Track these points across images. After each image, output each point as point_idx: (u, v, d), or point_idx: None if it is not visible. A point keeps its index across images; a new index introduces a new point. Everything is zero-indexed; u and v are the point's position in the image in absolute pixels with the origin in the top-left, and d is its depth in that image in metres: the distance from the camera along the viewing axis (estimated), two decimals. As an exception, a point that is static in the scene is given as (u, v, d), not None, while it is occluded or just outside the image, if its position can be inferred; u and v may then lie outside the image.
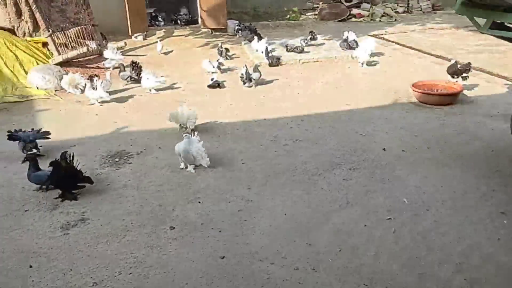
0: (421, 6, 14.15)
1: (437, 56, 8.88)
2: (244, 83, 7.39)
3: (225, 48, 9.17)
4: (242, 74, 7.40)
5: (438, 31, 11.31)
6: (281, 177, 4.50)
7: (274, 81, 7.68)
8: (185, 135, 4.64)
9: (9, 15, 8.70)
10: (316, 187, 4.29)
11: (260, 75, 7.45)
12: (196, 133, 4.80)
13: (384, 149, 5.04)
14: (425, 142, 5.19)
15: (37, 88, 7.03)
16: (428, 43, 10.03)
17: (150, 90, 7.01)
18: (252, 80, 7.36)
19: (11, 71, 7.24)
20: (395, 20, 12.97)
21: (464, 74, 6.67)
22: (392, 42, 10.25)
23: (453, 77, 6.71)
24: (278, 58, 8.65)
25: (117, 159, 4.96)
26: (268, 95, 7.02)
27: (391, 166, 4.65)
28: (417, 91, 6.34)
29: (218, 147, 5.23)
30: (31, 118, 6.13)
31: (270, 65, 8.52)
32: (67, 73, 7.17)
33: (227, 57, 9.01)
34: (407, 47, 9.74)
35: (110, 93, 6.84)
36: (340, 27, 12.17)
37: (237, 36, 10.67)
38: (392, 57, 8.94)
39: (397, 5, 14.00)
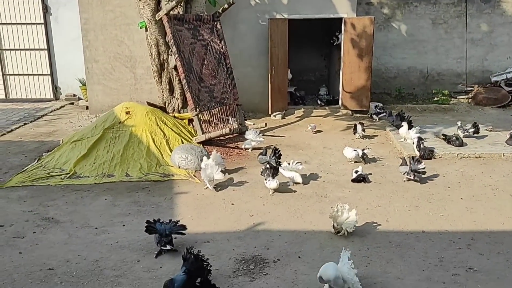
0: None
1: None
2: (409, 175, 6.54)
3: (360, 123, 8.85)
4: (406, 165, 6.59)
5: None
6: (457, 328, 3.46)
7: (429, 179, 6.65)
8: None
9: (162, 92, 9.22)
10: None
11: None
12: (348, 251, 4.02)
13: None
14: None
15: (179, 167, 7.01)
16: None
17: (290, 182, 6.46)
18: (416, 174, 6.49)
19: (157, 148, 7.41)
20: None
21: None
22: None
23: None
24: (432, 151, 7.63)
25: (251, 267, 4.39)
26: (422, 197, 6.02)
27: None
28: None
29: (368, 266, 4.38)
30: (169, 202, 5.98)
31: (422, 157, 7.52)
32: (208, 155, 7.05)
33: (363, 134, 8.77)
34: None
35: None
36: (501, 114, 10.76)
37: (374, 120, 9.96)
38: None
39: None
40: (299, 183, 6.47)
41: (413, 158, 6.77)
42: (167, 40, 8.55)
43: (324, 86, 12.59)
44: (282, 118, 10.56)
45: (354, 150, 7.47)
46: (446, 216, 5.43)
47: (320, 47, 12.86)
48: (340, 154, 7.71)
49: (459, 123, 8.57)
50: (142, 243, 4.89)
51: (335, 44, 11.46)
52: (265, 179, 6.20)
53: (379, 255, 4.58)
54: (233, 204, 5.92)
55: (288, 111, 10.92)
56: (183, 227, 4.76)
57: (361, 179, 6.62)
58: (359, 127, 8.85)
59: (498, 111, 11.09)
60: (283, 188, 6.27)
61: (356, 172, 6.71)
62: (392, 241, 4.85)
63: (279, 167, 6.61)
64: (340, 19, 10.47)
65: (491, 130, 9.00)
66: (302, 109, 11.05)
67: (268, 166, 6.41)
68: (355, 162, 7.41)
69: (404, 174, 6.60)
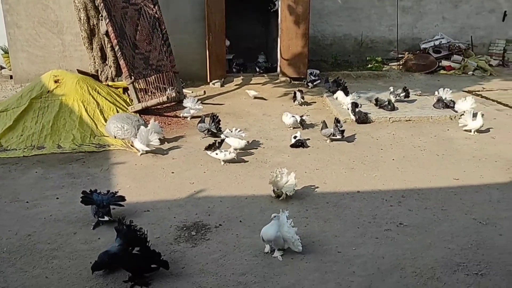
0: (518, 59, 12.90)
1: (553, 122, 7.72)
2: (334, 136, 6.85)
3: (299, 90, 9.02)
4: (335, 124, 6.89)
5: (545, 90, 10.07)
6: (388, 279, 3.68)
7: (363, 142, 6.93)
8: (274, 216, 3.98)
9: (94, 59, 8.75)
10: (437, 299, 3.43)
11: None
12: (286, 211, 4.12)
13: (516, 248, 4.07)
14: None
15: (115, 137, 6.76)
16: (537, 104, 8.86)
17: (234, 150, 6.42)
18: (338, 133, 6.80)
19: (91, 118, 7.09)
20: (490, 74, 11.86)
21: None
22: (493, 100, 9.20)
23: None
24: (366, 114, 7.91)
25: (193, 233, 4.38)
26: (357, 159, 6.26)
27: (532, 276, 3.68)
28: (546, 170, 5.30)
29: (307, 226, 4.52)
30: (106, 173, 5.78)
31: (357, 121, 7.79)
32: (145, 123, 6.86)
33: (303, 101, 8.89)
34: (513, 108, 8.64)
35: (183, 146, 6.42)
36: (429, 80, 11.33)
37: (309, 87, 10.11)
38: (497, 120, 7.89)
39: (491, 58, 12.87)
40: (242, 149, 6.48)
41: (336, 119, 7.00)
42: (96, 4, 8.06)
43: (263, 54, 12.54)
44: (221, 86, 10.45)
45: (293, 116, 7.58)
46: (379, 176, 5.70)
47: (258, 14, 12.73)
48: (279, 120, 7.80)
49: (391, 88, 8.93)
50: (78, 215, 4.71)
51: (272, 10, 11.39)
52: (216, 153, 6.09)
53: (317, 215, 4.73)
54: (173, 172, 5.83)
55: (227, 79, 10.81)
56: (122, 198, 4.63)
57: (300, 144, 6.75)
58: (298, 94, 8.98)
59: (426, 77, 11.66)
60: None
61: (295, 137, 6.83)
62: (329, 202, 5.03)
63: (222, 134, 6.57)
64: (277, -16, 10.38)
65: (420, 95, 9.46)
66: (241, 77, 10.99)
67: (213, 141, 6.28)
68: (294, 128, 7.53)
69: (328, 136, 6.86)
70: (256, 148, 6.71)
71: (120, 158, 6.26)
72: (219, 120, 7.05)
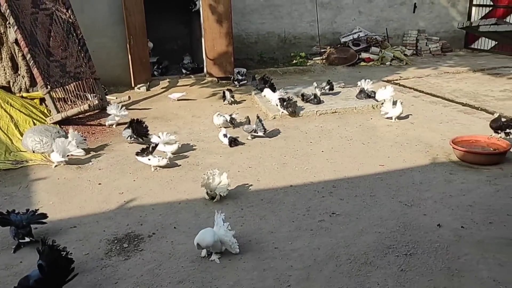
0: (430, 48, 13.78)
1: (463, 104, 8.31)
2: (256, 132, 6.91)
3: (228, 90, 9.03)
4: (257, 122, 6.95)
5: (455, 76, 10.83)
6: (324, 269, 3.74)
7: (293, 136, 7.03)
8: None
9: (4, 70, 8.11)
10: (371, 284, 3.53)
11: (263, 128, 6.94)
12: (221, 214, 4.06)
13: (439, 225, 4.31)
14: (484, 214, 4.48)
15: (33, 152, 6.32)
16: (449, 89, 9.51)
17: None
18: (260, 130, 6.87)
19: (4, 133, 6.56)
20: (406, 63, 12.54)
21: (507, 130, 6.04)
22: (410, 88, 9.73)
23: (497, 132, 6.09)
24: (296, 105, 8.03)
25: (125, 245, 4.19)
26: (289, 154, 6.34)
27: (455, 250, 3.91)
28: (460, 150, 5.67)
29: (243, 225, 4.49)
30: (26, 190, 5.37)
31: (291, 115, 7.92)
32: (66, 135, 6.49)
33: (232, 100, 8.89)
34: (428, 93, 9.20)
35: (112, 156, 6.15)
36: (351, 72, 11.75)
37: (237, 86, 10.13)
38: (414, 106, 8.36)
39: (406, 48, 13.64)
40: (174, 153, 6.31)
41: (257, 116, 7.07)
42: (2, 11, 7.47)
43: (188, 55, 12.37)
44: (147, 90, 10.15)
45: (222, 116, 7.52)
46: (310, 169, 5.81)
47: (180, 14, 12.52)
48: (209, 121, 7.72)
49: (315, 83, 9.14)
50: (-4, 239, 4.34)
51: (193, 10, 11.24)
52: (148, 159, 5.87)
53: (252, 213, 4.72)
54: (100, 184, 5.55)
55: (152, 82, 10.52)
56: (43, 216, 4.32)
57: (232, 140, 6.70)
58: (227, 94, 8.95)
59: (348, 69, 12.11)
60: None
61: (225, 135, 6.77)
62: (263, 199, 5.03)
63: (152, 139, 6.35)
64: (197, -16, 10.26)
65: (343, 87, 9.80)
66: (168, 80, 10.75)
67: (146, 146, 6.04)
68: (225, 127, 7.48)
69: (250, 132, 6.92)
70: (188, 151, 6.58)
71: (40, 174, 5.85)
72: (144, 125, 6.84)
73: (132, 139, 6.81)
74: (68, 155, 6.05)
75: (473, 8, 14.02)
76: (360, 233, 4.27)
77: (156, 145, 6.11)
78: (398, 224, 4.38)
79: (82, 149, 6.33)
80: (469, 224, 4.31)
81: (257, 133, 6.89)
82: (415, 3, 13.82)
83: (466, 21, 9.99)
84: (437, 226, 4.29)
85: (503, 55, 12.65)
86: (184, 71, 11.38)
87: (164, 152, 6.23)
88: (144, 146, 6.08)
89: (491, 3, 13.43)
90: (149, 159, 5.85)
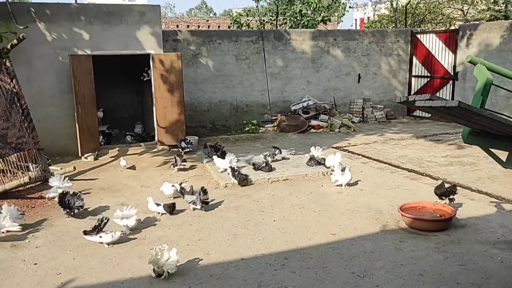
0: (375, 115, 14.45)
1: (409, 170, 8.58)
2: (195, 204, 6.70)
3: (179, 155, 9.02)
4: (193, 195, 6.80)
5: (400, 142, 11.30)
6: None
7: (244, 206, 6.91)
8: None
9: None
10: None
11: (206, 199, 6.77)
12: None
13: (392, 297, 4.23)
14: (434, 283, 4.46)
15: (-36, 230, 5.81)
16: (394, 155, 9.85)
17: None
18: (198, 203, 6.67)
19: None
20: (354, 130, 13.01)
21: (451, 196, 6.24)
22: (358, 154, 10.01)
23: (442, 199, 6.27)
24: (246, 176, 8.00)
25: (59, 335, 3.80)
26: (240, 224, 6.19)
27: (408, 324, 3.81)
28: (408, 217, 5.76)
29: (190, 306, 4.21)
30: (-52, 275, 4.86)
31: (239, 184, 7.83)
32: (0, 210, 6.06)
33: (182, 167, 8.90)
34: (375, 160, 9.48)
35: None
36: (302, 139, 12.02)
37: (182, 153, 10.03)
38: (363, 172, 8.54)
39: (353, 115, 14.22)
40: (133, 228, 5.97)
41: (202, 188, 6.87)
42: None
43: (139, 123, 12.31)
44: (95, 159, 9.87)
45: (172, 186, 7.34)
46: (262, 240, 5.66)
47: (132, 83, 12.58)
48: (159, 191, 7.49)
49: (266, 153, 9.17)
50: None
51: (145, 80, 11.33)
52: (100, 236, 5.50)
53: (201, 292, 4.46)
54: (35, 264, 5.12)
55: (101, 151, 10.26)
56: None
57: (170, 206, 6.53)
58: (178, 160, 8.85)
59: (299, 136, 12.38)
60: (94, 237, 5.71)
61: (157, 204, 6.55)
62: (213, 274, 4.80)
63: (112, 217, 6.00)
64: (148, 55, 10.41)
65: (294, 154, 9.94)
66: (117, 148, 10.53)
67: (96, 223, 5.62)
68: (175, 197, 7.27)
69: (190, 203, 6.76)
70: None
71: (-31, 254, 5.35)
72: (78, 196, 6.55)
73: (67, 213, 6.46)
74: (2, 232, 5.61)
75: (413, 79, 15.01)
76: (313, 309, 4.10)
77: (107, 220, 5.74)
78: (351, 297, 4.26)
79: (19, 225, 5.91)
80: (421, 295, 4.26)
81: (196, 205, 6.71)
82: (359, 74, 14.65)
83: (403, 96, 10.69)
84: (390, 298, 4.21)
85: (442, 122, 13.44)
86: (129, 139, 11.20)
87: (123, 226, 5.89)
88: (95, 223, 5.66)
89: (428, 74, 14.45)
90: (100, 237, 5.49)
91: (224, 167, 8.37)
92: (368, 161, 9.42)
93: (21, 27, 8.87)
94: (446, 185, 6.47)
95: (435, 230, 5.65)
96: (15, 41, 8.10)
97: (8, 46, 8.10)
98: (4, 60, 7.98)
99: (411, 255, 5.10)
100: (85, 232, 5.58)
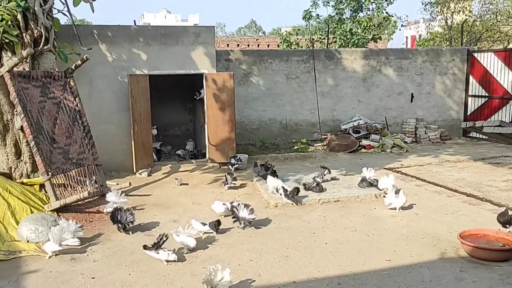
0: (429, 136, 13.99)
1: (468, 195, 8.20)
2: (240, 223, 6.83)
3: (229, 173, 9.08)
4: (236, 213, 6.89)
5: (456, 164, 10.84)
6: None
7: (295, 227, 6.84)
8: None
9: (7, 156, 8.17)
10: None
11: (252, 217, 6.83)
12: None
13: (454, 332, 4.01)
14: (500, 318, 4.19)
15: (28, 241, 6.12)
16: (451, 178, 9.46)
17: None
18: (246, 221, 6.76)
19: (0, 221, 6.40)
20: (406, 151, 12.64)
21: (515, 224, 5.90)
22: (412, 176, 9.69)
23: (505, 227, 5.93)
24: (298, 194, 7.92)
25: None
26: (291, 246, 6.12)
27: None
28: (469, 245, 5.48)
29: (243, 328, 4.19)
30: (15, 285, 5.11)
31: (295, 203, 7.81)
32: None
33: (233, 185, 8.93)
34: (430, 182, 9.14)
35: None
36: (352, 159, 11.81)
37: (232, 170, 10.10)
38: (418, 195, 8.25)
39: (405, 136, 13.85)
40: (192, 248, 5.99)
41: (245, 204, 6.94)
42: (11, 99, 7.69)
43: (191, 140, 12.57)
44: (149, 175, 10.14)
45: (223, 204, 7.41)
46: (314, 263, 5.57)
47: (185, 101, 12.94)
48: (210, 209, 7.58)
49: (316, 173, 9.09)
50: None
51: (198, 98, 11.60)
52: (157, 252, 5.61)
53: (253, 314, 4.43)
54: (93, 278, 5.29)
55: (154, 167, 10.54)
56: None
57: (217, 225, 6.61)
58: (228, 178, 8.95)
59: (349, 156, 12.18)
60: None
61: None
62: (265, 297, 4.76)
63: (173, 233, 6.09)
64: (201, 74, 10.68)
65: (345, 174, 9.78)
66: (169, 165, 10.79)
67: (156, 240, 5.73)
68: (225, 216, 7.33)
69: (242, 221, 6.84)
70: (186, 242, 6.36)
71: (32, 266, 5.61)
72: (130, 212, 6.74)
73: (118, 228, 6.66)
74: (62, 245, 5.85)
75: (469, 99, 14.45)
76: None
77: (167, 237, 5.79)
78: (409, 329, 4.08)
79: (78, 238, 6.15)
80: (486, 331, 4.01)
81: (240, 223, 6.80)
82: (412, 93, 14.29)
83: (469, 122, 10.42)
84: (452, 332, 3.99)
85: (502, 144, 12.78)
86: (183, 156, 11.46)
87: (181, 243, 5.96)
88: (156, 239, 5.74)
89: (486, 94, 13.86)
90: (157, 253, 5.61)
91: (276, 186, 8.35)
92: (422, 184, 9.10)
93: (84, 49, 9.37)
94: (510, 212, 6.12)
95: (498, 260, 5.33)
96: (79, 62, 8.56)
97: (73, 67, 8.57)
98: (68, 80, 8.45)
99: (473, 286, 4.84)
100: (145, 247, 5.70)
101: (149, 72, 10.31)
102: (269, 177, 8.69)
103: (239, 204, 6.98)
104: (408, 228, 6.67)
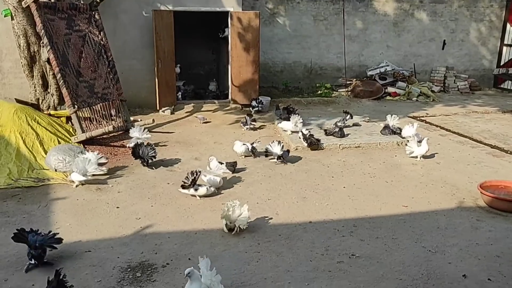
0: (458, 86, 13.58)
1: (492, 146, 8.07)
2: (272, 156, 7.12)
3: (248, 115, 9.19)
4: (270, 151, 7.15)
5: (483, 116, 10.59)
6: (343, 315, 3.58)
7: (315, 169, 6.91)
8: (188, 273, 3.63)
9: (35, 87, 8.33)
10: (391, 336, 3.35)
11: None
12: (207, 258, 3.84)
13: (464, 276, 4.10)
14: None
15: (55, 170, 6.37)
16: (477, 129, 9.27)
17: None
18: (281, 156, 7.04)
19: (29, 150, 6.66)
20: (433, 100, 12.36)
21: (539, 177, 5.82)
22: (437, 126, 9.54)
23: (528, 180, 5.87)
24: (318, 140, 7.95)
25: (138, 274, 4.11)
26: (309, 188, 6.22)
27: (481, 305, 3.70)
28: (489, 195, 5.46)
29: (259, 261, 4.36)
30: (45, 210, 5.39)
31: (312, 148, 7.83)
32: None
33: (251, 127, 9.02)
34: (455, 133, 8.99)
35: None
36: (376, 106, 11.64)
37: (253, 112, 10.08)
38: (441, 145, 8.16)
39: (433, 84, 13.48)
40: (218, 187, 6.11)
41: (278, 141, 7.18)
42: (37, 30, 7.70)
43: (214, 81, 12.51)
44: (171, 113, 10.25)
45: (244, 144, 7.48)
46: (331, 205, 5.67)
47: (209, 40, 12.72)
48: (231, 149, 7.68)
49: (338, 119, 9.01)
50: (11, 259, 4.32)
51: (222, 36, 11.38)
52: (195, 189, 5.74)
53: (269, 249, 4.59)
54: (118, 207, 5.53)
55: (177, 106, 10.62)
56: (58, 240, 4.28)
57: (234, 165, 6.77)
58: (248, 119, 8.98)
59: (374, 103, 11.99)
60: (172, 187, 6.04)
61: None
62: (281, 234, 4.91)
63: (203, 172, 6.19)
64: (227, 12, 10.42)
65: (368, 121, 9.68)
66: (192, 104, 10.84)
67: (191, 177, 5.76)
68: (246, 156, 7.43)
69: (275, 158, 7.11)
70: (207, 179, 6.52)
71: (60, 193, 5.88)
72: (151, 147, 6.88)
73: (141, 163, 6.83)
74: (88, 175, 6.07)
75: (504, 48, 13.82)
76: (381, 278, 4.09)
77: (200, 173, 5.88)
78: (421, 271, 4.19)
79: (102, 170, 6.37)
80: (496, 277, 4.09)
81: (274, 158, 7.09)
82: (444, 40, 13.73)
83: (502, 69, 9.95)
84: (462, 277, 4.08)
85: (534, 96, 12.35)
86: (209, 96, 11.45)
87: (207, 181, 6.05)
88: (187, 176, 5.79)
89: (523, 44, 13.23)
90: (196, 190, 5.72)
91: (290, 129, 8.38)
92: (447, 134, 8.96)
93: (109, -19, 9.19)
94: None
95: (517, 212, 5.33)
96: (104, -5, 8.44)
97: (98, 0, 8.45)
98: (93, 13, 8.37)
99: (489, 235, 4.88)
100: (183, 187, 5.77)
101: (174, 8, 10.11)
102: (289, 120, 8.69)
103: (273, 142, 7.18)
104: (427, 176, 6.66)
